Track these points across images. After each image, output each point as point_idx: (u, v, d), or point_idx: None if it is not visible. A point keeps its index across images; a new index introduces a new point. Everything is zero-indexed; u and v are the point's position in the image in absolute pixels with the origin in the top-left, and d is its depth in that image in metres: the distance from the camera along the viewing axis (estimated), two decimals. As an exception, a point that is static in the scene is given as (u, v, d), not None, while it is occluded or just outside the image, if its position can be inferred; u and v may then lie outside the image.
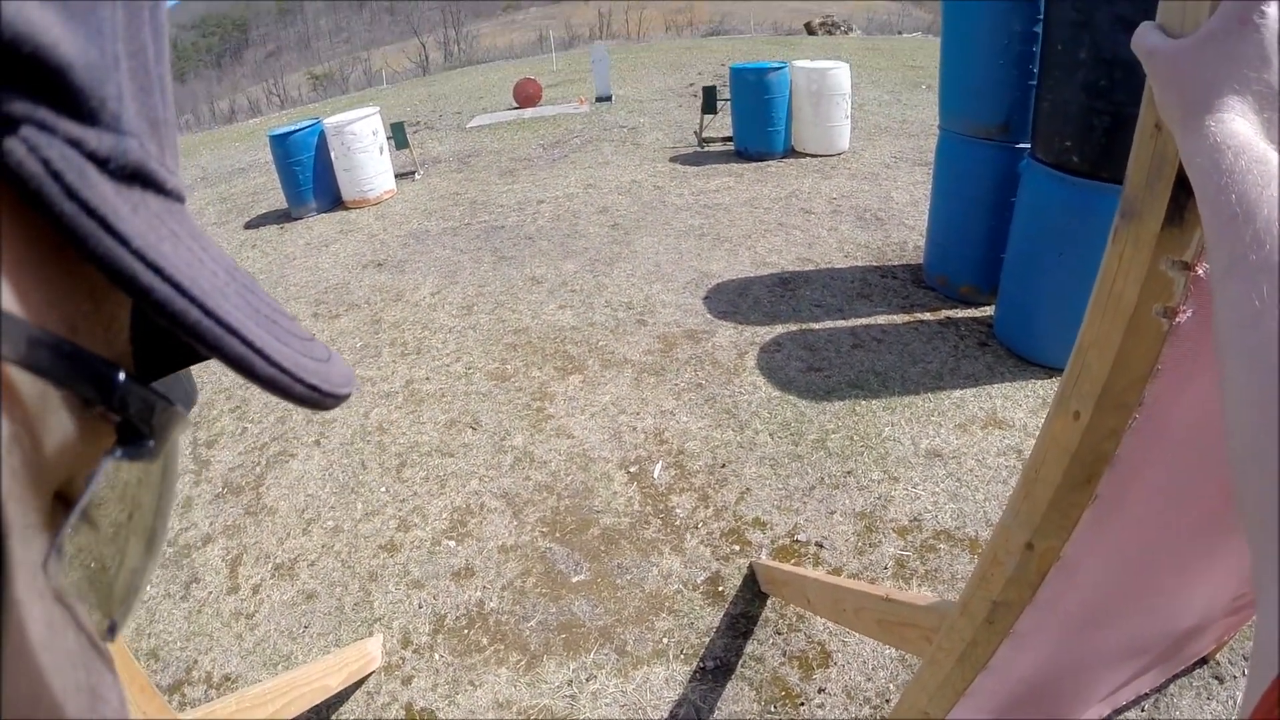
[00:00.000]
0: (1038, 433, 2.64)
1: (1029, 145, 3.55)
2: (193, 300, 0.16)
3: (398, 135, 7.88)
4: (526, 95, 12.18)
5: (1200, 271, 0.61)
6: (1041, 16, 3.41)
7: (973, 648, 0.96)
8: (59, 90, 0.14)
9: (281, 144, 7.38)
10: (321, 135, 7.43)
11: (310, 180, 7.45)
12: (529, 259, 5.29)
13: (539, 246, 5.50)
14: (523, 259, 5.31)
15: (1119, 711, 1.83)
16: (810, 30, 30.30)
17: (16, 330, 0.14)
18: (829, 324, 3.86)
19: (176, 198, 0.19)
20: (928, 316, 3.88)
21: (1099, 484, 0.75)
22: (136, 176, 0.17)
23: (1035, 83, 3.50)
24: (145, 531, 0.19)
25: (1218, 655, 2.01)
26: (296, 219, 7.50)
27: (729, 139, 7.77)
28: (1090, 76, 3.01)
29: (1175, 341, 0.65)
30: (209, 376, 4.13)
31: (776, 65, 7.11)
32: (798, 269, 4.59)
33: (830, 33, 29.30)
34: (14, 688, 0.13)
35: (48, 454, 0.15)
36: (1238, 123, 0.46)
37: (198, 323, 0.16)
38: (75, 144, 0.15)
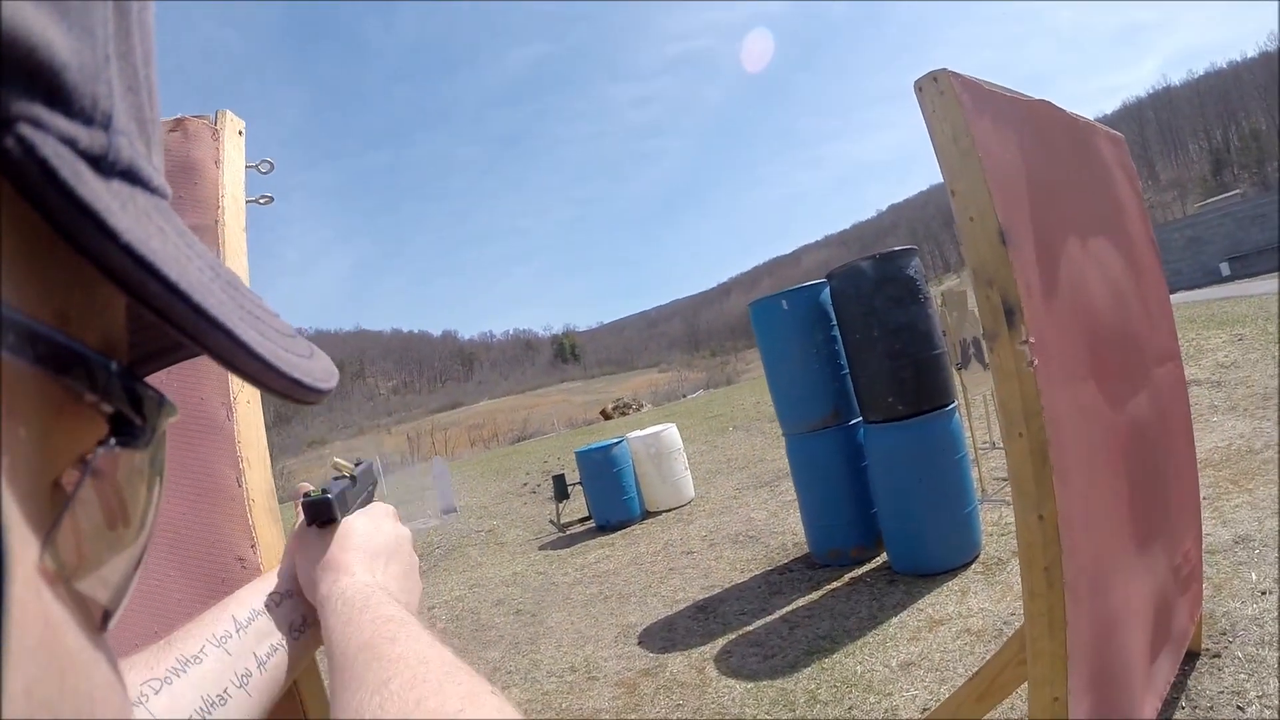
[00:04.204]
0: (971, 615, 3.43)
1: (860, 418, 4.52)
2: (178, 294, 0.17)
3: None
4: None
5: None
6: (834, 320, 4.58)
7: (1052, 611, 1.42)
8: (54, 89, 0.14)
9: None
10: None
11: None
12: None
13: (451, 645, 5.21)
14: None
15: (1167, 707, 2.22)
16: (606, 416, 33.30)
17: (9, 322, 0.14)
18: (760, 622, 4.13)
19: (162, 194, 0.19)
20: (836, 584, 4.38)
21: (1051, 454, 1.38)
22: (126, 173, 0.17)
23: (846, 370, 4.57)
24: (138, 520, 0.19)
25: (1201, 645, 2.52)
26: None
27: (586, 518, 8.18)
28: (885, 344, 4.10)
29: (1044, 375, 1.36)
30: None
31: (615, 440, 7.87)
32: (708, 595, 4.85)
33: (624, 413, 32.23)
34: (10, 687, 0.13)
35: (41, 445, 0.16)
36: None
37: (184, 316, 0.17)
38: (69, 141, 0.15)
